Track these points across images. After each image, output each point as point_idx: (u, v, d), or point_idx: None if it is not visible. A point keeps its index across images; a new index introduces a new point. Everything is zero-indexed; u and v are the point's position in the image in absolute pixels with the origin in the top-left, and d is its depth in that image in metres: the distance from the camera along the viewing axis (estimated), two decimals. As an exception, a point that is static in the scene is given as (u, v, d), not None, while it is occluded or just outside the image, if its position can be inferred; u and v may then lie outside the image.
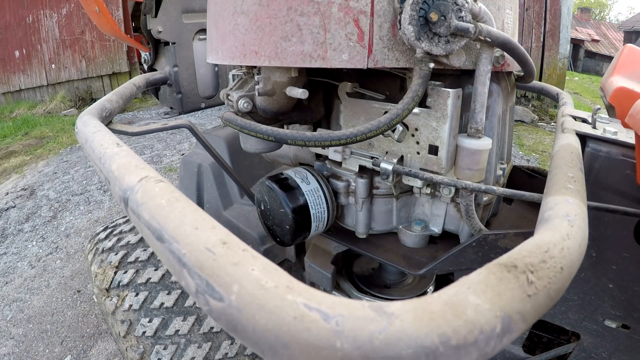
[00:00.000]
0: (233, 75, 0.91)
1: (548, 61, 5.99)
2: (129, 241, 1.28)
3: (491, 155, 0.82)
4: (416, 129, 0.80)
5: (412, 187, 0.86)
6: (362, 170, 0.90)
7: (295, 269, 1.36)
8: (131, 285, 1.13)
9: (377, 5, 0.65)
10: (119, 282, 1.14)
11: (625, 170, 0.71)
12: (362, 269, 1.24)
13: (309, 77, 0.86)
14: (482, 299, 0.28)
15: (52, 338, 2.00)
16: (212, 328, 1.06)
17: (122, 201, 0.46)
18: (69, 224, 3.01)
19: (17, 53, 6.85)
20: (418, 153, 0.81)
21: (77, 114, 3.17)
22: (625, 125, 0.76)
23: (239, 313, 0.27)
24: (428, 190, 0.84)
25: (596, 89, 10.78)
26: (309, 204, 0.88)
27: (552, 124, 5.66)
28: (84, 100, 6.84)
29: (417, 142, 0.80)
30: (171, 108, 2.77)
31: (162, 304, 1.09)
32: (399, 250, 0.97)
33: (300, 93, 0.75)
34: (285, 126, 0.93)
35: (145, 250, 1.24)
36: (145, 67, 1.90)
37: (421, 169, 0.81)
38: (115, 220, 1.47)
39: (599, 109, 0.82)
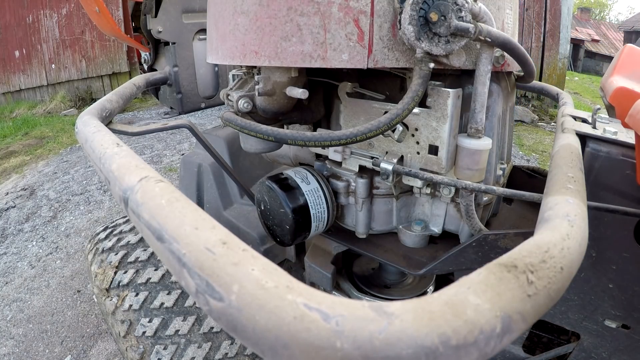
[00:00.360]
0: (233, 75, 0.91)
1: (548, 61, 5.99)
2: (129, 241, 1.28)
3: (491, 155, 0.82)
4: (416, 129, 0.80)
5: (412, 187, 0.86)
6: (362, 170, 0.90)
7: (295, 269, 1.36)
8: (131, 285, 1.13)
9: (377, 5, 0.65)
10: (119, 282, 1.14)
11: (625, 170, 0.71)
12: (362, 269, 1.24)
13: (309, 77, 0.86)
14: (482, 299, 0.28)
15: (52, 338, 2.00)
16: (212, 328, 1.06)
17: (122, 201, 0.46)
18: (69, 224, 3.01)
19: (17, 53, 6.85)
20: (418, 153, 0.81)
21: (77, 114, 3.17)
22: (625, 125, 0.76)
23: (239, 313, 0.27)
24: (428, 190, 0.84)
25: (596, 89, 10.78)
26: (309, 204, 0.88)
27: (552, 124, 5.66)
28: (84, 100, 6.84)
29: (417, 142, 0.80)
30: (171, 108, 2.77)
31: (162, 304, 1.09)
32: (399, 250, 0.97)
33: (300, 93, 0.75)
34: (285, 126, 0.93)
35: (145, 250, 1.24)
36: (145, 67, 1.90)
37: (421, 169, 0.81)
38: (115, 220, 1.47)
39: (599, 109, 0.82)
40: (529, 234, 0.41)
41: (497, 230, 0.80)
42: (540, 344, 1.24)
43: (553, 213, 0.43)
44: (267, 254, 1.28)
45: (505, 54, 0.75)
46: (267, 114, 0.82)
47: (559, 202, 0.45)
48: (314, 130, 0.96)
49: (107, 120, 0.89)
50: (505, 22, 0.80)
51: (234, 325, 0.27)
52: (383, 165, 0.80)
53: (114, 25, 1.95)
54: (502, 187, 0.85)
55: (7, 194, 3.57)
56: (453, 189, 0.83)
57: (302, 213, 0.88)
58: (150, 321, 1.05)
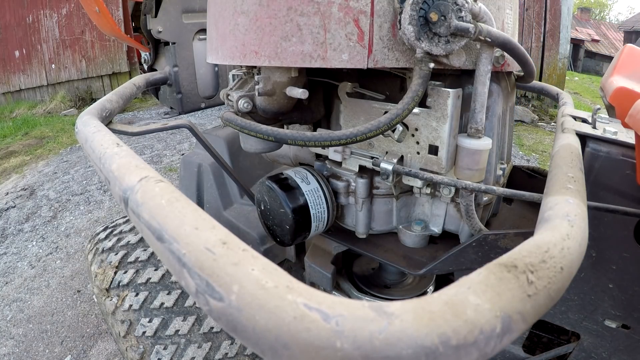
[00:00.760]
0: (233, 75, 0.91)
1: (548, 61, 5.99)
2: (129, 241, 1.28)
3: (491, 155, 0.82)
4: (416, 129, 0.80)
5: (412, 187, 0.86)
6: (362, 170, 0.90)
7: (295, 269, 1.36)
8: (131, 285, 1.13)
9: (377, 5, 0.65)
10: (119, 282, 1.14)
11: (625, 170, 0.71)
12: (362, 269, 1.24)
13: (309, 77, 0.86)
14: (482, 299, 0.28)
15: (52, 338, 2.00)
16: (212, 328, 1.06)
17: (122, 201, 0.46)
18: (69, 224, 3.01)
19: (17, 53, 6.85)
20: (418, 153, 0.81)
21: (77, 114, 3.17)
22: (625, 125, 0.76)
23: (239, 313, 0.27)
24: (428, 190, 0.84)
25: (596, 89, 10.78)
26: (309, 204, 0.88)
27: (552, 124, 5.66)
28: (84, 100, 6.84)
29: (417, 142, 0.80)
30: (171, 108, 2.77)
31: (162, 304, 1.09)
32: (399, 250, 0.97)
33: (300, 93, 0.75)
34: (285, 126, 0.93)
35: (145, 250, 1.24)
36: (145, 67, 1.90)
37: (421, 169, 0.81)
38: (115, 220, 1.47)
39: (599, 109, 0.82)
40: (529, 234, 0.41)
41: (497, 230, 0.80)
42: (540, 344, 1.24)
43: (553, 213, 0.43)
44: (267, 254, 1.28)
45: (505, 54, 0.75)
46: (267, 114, 0.82)
47: (559, 202, 0.45)
48: (314, 130, 0.96)
49: (107, 120, 0.89)
50: (505, 22, 0.80)
51: (234, 325, 0.27)
52: (383, 165, 0.80)
53: (114, 25, 1.95)
54: (502, 187, 0.85)
55: (7, 194, 3.57)
56: (453, 189, 0.83)
57: (302, 213, 0.88)
58: (150, 321, 1.05)
